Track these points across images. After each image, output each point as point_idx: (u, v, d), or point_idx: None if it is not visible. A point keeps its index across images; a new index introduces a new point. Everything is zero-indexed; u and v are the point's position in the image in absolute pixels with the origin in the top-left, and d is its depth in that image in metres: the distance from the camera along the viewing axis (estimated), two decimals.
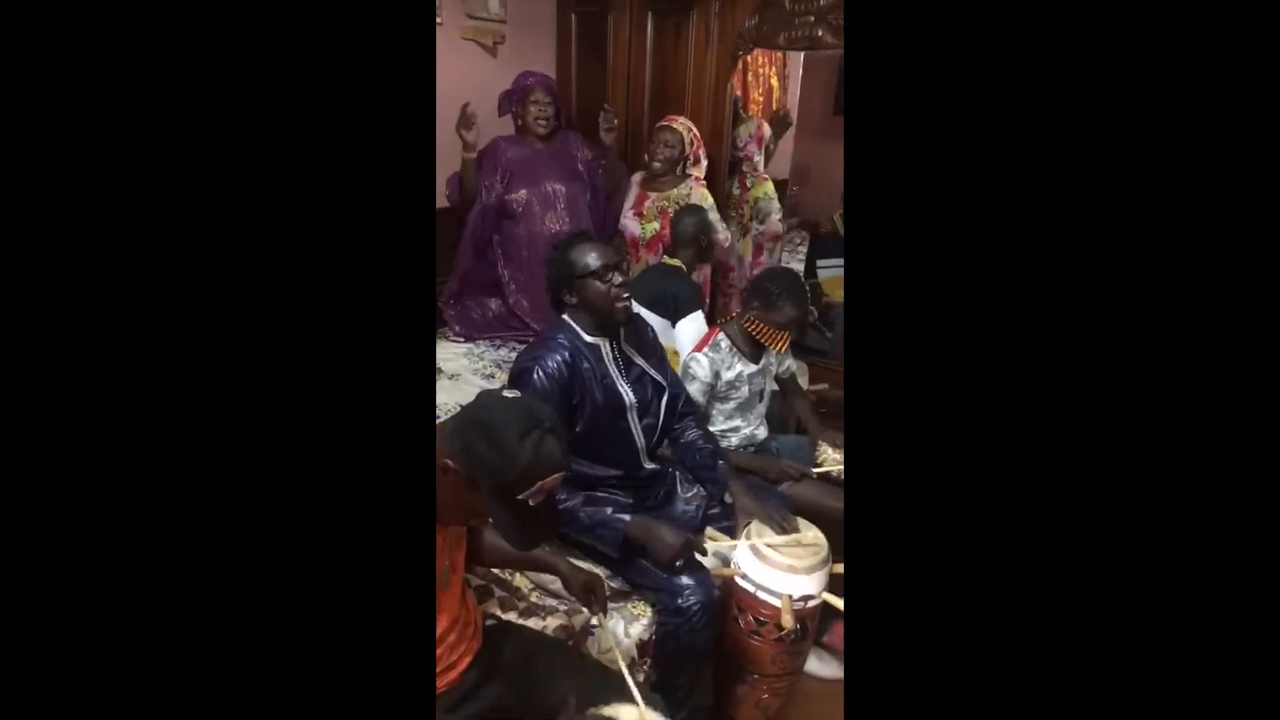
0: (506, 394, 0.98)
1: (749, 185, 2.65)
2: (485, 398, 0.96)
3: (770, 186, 2.72)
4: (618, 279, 1.39)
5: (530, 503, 0.90)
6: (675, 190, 2.32)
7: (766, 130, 2.69)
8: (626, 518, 1.35)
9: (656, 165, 2.31)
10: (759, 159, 2.64)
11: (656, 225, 2.35)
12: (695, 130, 2.34)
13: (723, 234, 2.32)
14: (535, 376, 1.35)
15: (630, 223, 2.41)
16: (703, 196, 2.28)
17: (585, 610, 1.29)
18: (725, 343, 1.76)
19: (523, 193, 2.26)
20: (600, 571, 1.42)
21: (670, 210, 2.30)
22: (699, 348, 1.77)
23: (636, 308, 1.80)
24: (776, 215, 2.76)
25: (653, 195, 2.37)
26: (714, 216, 2.25)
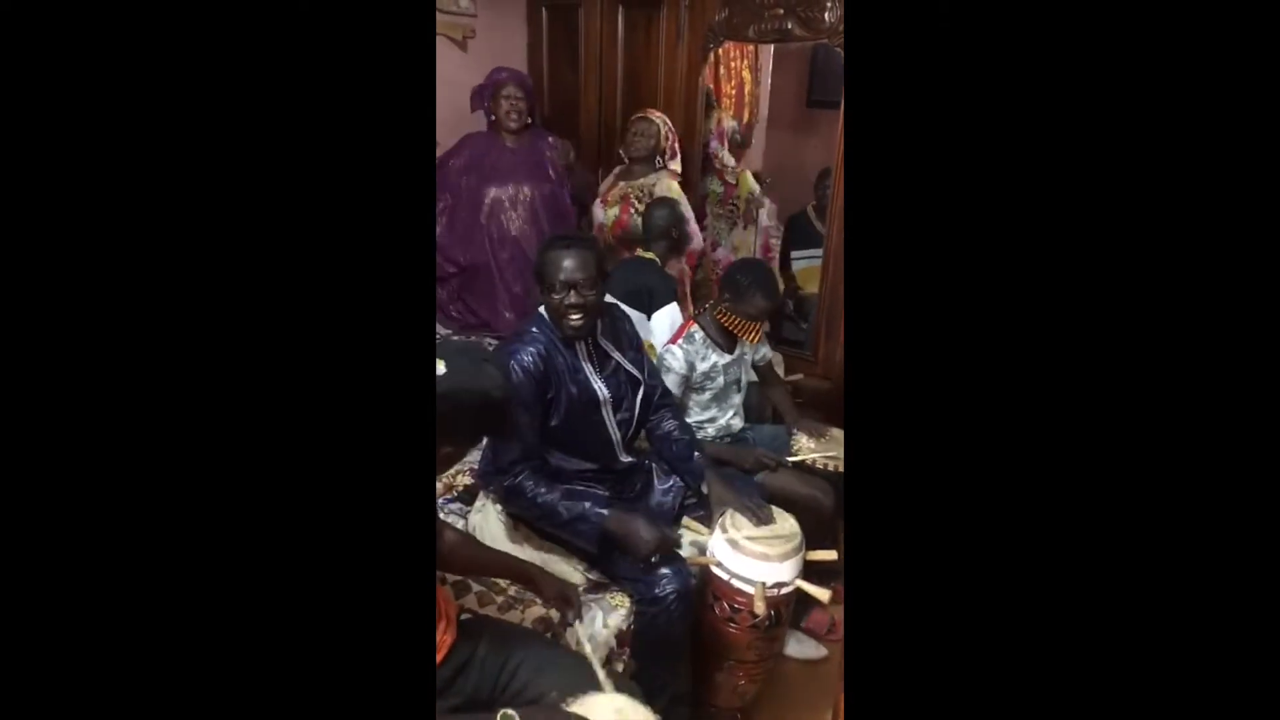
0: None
1: (732, 181, 2.65)
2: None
3: (751, 177, 2.72)
4: (572, 297, 1.37)
5: None
6: (643, 180, 2.32)
7: (727, 123, 2.67)
8: (605, 512, 1.37)
9: (632, 156, 2.31)
10: (724, 154, 2.63)
11: (616, 211, 2.35)
12: (670, 123, 2.33)
13: (695, 238, 2.32)
14: (511, 370, 1.36)
15: (597, 209, 2.42)
16: (669, 188, 2.27)
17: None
18: (699, 334, 1.78)
19: (492, 191, 2.25)
20: (578, 565, 1.44)
21: (632, 197, 2.29)
22: (673, 340, 1.79)
23: (615, 300, 1.81)
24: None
25: (621, 183, 2.37)
26: (685, 209, 2.25)
